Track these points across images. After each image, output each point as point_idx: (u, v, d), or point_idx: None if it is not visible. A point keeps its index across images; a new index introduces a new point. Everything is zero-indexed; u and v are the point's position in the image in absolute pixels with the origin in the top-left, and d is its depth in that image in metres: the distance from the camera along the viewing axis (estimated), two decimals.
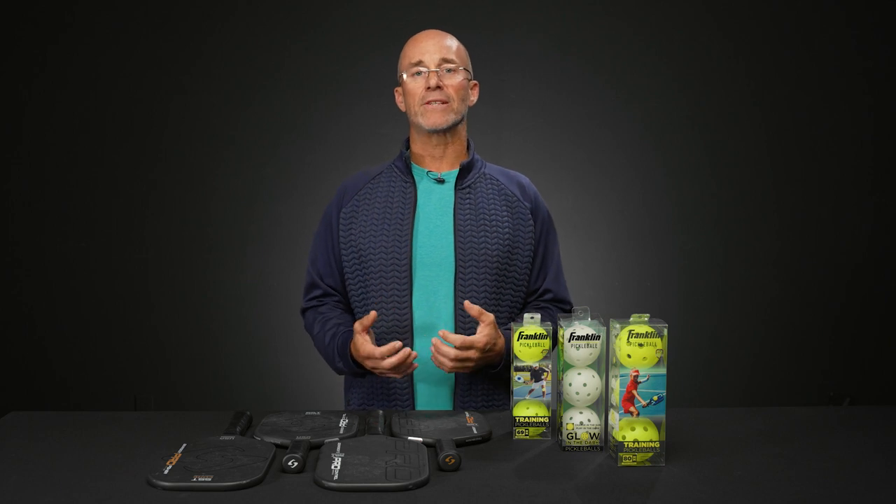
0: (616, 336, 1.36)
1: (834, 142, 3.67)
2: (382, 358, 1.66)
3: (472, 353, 1.67)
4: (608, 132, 3.67)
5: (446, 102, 1.83)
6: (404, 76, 1.86)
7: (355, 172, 1.97)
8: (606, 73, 3.66)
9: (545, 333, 1.51)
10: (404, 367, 1.68)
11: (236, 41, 3.60)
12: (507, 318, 1.86)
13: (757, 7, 3.64)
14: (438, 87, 1.82)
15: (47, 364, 3.61)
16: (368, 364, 1.70)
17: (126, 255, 3.62)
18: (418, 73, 1.84)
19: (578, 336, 1.44)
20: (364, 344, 1.69)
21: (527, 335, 1.51)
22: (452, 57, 1.84)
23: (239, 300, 3.65)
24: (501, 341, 1.72)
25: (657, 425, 1.35)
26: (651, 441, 1.35)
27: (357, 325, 1.71)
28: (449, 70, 1.83)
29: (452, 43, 1.87)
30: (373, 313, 1.70)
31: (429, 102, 1.82)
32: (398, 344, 1.67)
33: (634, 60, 3.66)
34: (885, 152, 3.67)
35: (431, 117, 1.83)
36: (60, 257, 3.60)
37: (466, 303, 1.71)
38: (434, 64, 1.83)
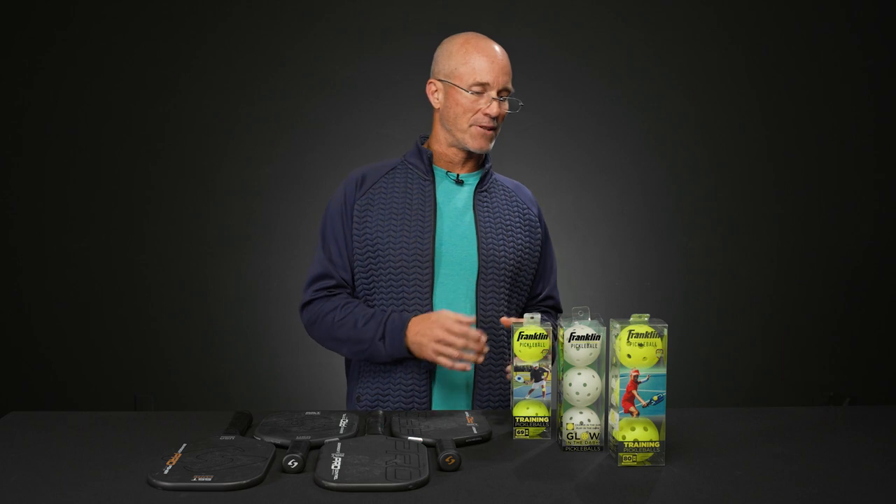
0: (616, 336, 1.36)
1: (834, 143, 3.67)
2: (458, 335, 1.63)
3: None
4: (608, 132, 3.68)
5: (495, 130, 1.82)
6: (464, 91, 1.79)
7: (362, 165, 1.92)
8: (607, 73, 3.67)
9: (545, 333, 1.51)
10: (469, 356, 1.65)
11: (236, 41, 3.61)
12: (517, 317, 1.86)
13: (758, 7, 3.64)
14: (497, 117, 1.80)
15: (47, 364, 3.61)
16: (439, 334, 1.64)
17: (126, 255, 3.62)
18: (479, 93, 1.79)
19: (578, 336, 1.44)
20: (446, 317, 1.66)
21: (527, 335, 1.51)
22: (511, 86, 1.83)
23: (239, 300, 3.65)
24: None
25: (657, 425, 1.35)
26: (651, 441, 1.35)
27: (447, 313, 1.68)
28: (504, 98, 1.81)
29: (509, 65, 1.84)
30: (472, 318, 1.67)
31: (483, 127, 1.80)
32: (485, 339, 1.66)
33: (635, 60, 3.66)
34: (885, 154, 3.67)
35: (480, 142, 1.82)
36: (60, 257, 3.60)
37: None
38: (498, 89, 1.79)
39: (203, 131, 3.62)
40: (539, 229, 1.93)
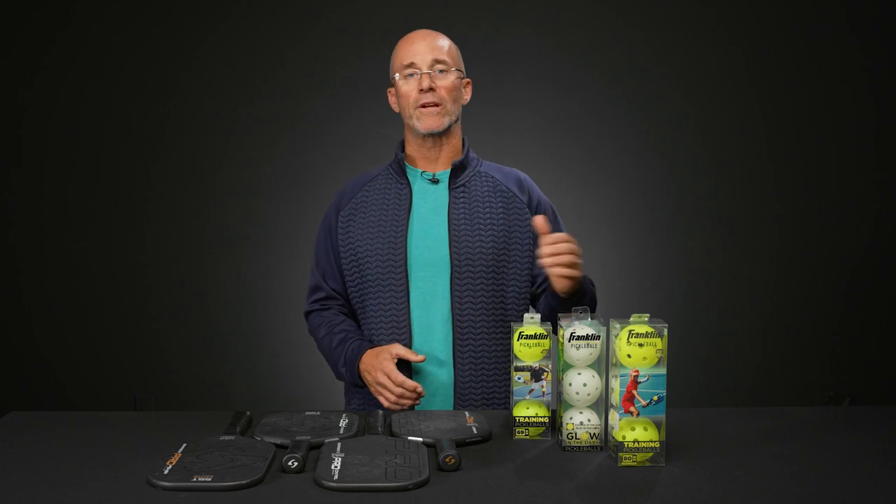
0: (616, 336, 1.36)
1: (834, 143, 3.67)
2: (396, 384, 1.69)
3: (567, 243, 1.61)
4: (608, 132, 3.67)
5: (439, 105, 1.82)
6: (397, 78, 1.86)
7: (356, 175, 1.97)
8: (607, 72, 3.67)
9: (545, 333, 1.51)
10: (404, 402, 1.71)
11: (236, 41, 3.61)
12: (514, 310, 1.86)
13: (758, 7, 3.64)
14: (431, 89, 1.81)
15: (47, 364, 3.61)
16: (380, 378, 1.71)
17: (126, 255, 3.62)
18: (410, 75, 1.83)
19: (578, 336, 1.44)
20: (389, 362, 1.71)
21: (527, 335, 1.51)
22: (444, 57, 1.83)
23: (239, 300, 3.65)
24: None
25: (657, 425, 1.35)
26: (651, 441, 1.35)
27: (398, 348, 1.73)
28: (441, 71, 1.83)
29: (444, 42, 1.86)
30: (422, 357, 1.74)
31: (423, 105, 1.81)
32: (421, 389, 1.70)
33: (635, 60, 3.66)
34: (885, 154, 3.67)
35: (426, 121, 1.83)
36: (60, 257, 3.60)
37: (537, 218, 1.65)
38: (426, 65, 1.82)
39: (203, 131, 3.63)
40: (528, 214, 1.88)
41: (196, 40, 3.60)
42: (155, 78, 3.59)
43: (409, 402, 1.71)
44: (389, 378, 1.70)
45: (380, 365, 1.72)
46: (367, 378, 1.76)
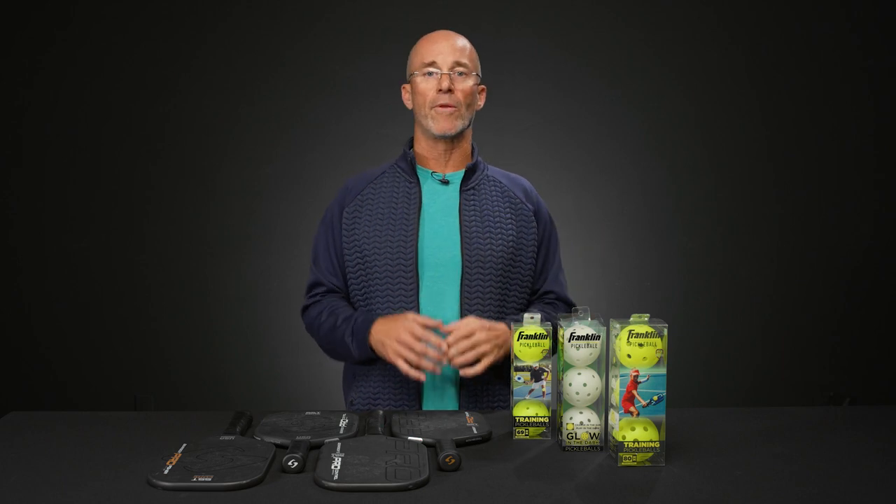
0: (616, 336, 1.36)
1: (834, 143, 3.67)
2: (430, 334, 1.64)
3: (472, 327, 1.66)
4: (608, 132, 3.68)
5: (455, 107, 1.82)
6: (415, 75, 1.84)
7: (357, 173, 1.97)
8: (607, 72, 3.67)
9: (545, 333, 1.51)
10: (426, 365, 1.66)
11: (237, 41, 3.61)
12: (514, 314, 1.85)
13: (758, 7, 3.64)
14: (449, 91, 1.80)
15: (47, 364, 3.61)
16: (403, 336, 1.65)
17: (126, 255, 3.62)
18: (430, 74, 1.82)
19: (578, 336, 1.44)
20: (410, 321, 1.66)
21: (527, 335, 1.51)
22: (465, 60, 1.83)
23: (239, 300, 3.65)
24: (500, 325, 1.71)
25: (657, 425, 1.35)
26: (651, 441, 1.35)
27: (413, 315, 1.69)
28: (461, 73, 1.82)
29: (466, 45, 1.86)
30: (438, 322, 1.68)
31: (440, 106, 1.81)
32: (447, 347, 1.65)
33: (635, 60, 3.66)
34: (885, 154, 3.67)
35: (441, 122, 1.82)
36: (60, 257, 3.60)
37: (442, 326, 1.70)
38: (447, 66, 1.81)
39: (203, 131, 3.63)
40: (534, 223, 1.89)
41: (196, 40, 3.60)
42: (155, 78, 3.59)
43: (430, 365, 1.65)
44: (413, 335, 1.64)
45: (402, 324, 1.67)
46: (385, 340, 1.69)
